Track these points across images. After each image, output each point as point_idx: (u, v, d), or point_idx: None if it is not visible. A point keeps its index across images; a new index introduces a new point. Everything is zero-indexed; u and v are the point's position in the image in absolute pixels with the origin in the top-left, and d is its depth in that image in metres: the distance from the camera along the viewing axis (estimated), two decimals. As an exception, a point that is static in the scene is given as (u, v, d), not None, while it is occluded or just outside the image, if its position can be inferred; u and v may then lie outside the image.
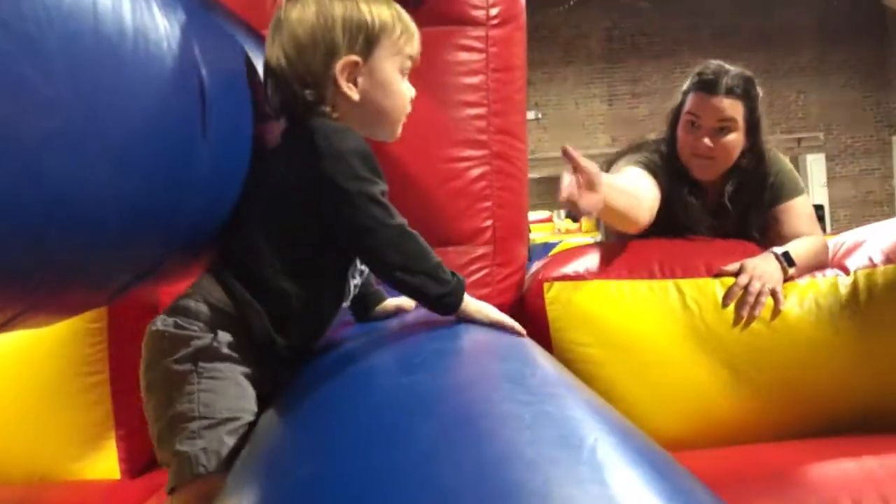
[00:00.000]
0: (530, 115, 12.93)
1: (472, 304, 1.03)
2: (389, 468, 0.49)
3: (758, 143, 1.97)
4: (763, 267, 1.75)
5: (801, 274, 1.80)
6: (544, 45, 12.92)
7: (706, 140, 1.92)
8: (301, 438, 0.68)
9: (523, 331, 1.06)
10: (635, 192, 1.81)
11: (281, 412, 0.86)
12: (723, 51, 12.90)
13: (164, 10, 0.83)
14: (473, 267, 1.74)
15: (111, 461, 1.88)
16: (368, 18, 1.07)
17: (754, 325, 1.72)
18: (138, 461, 1.90)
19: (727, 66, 1.96)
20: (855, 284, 1.78)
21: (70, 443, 1.87)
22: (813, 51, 13.24)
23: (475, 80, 1.76)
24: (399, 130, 1.18)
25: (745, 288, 1.72)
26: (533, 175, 12.50)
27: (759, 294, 1.70)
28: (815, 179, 14.14)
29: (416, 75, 1.77)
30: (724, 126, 1.91)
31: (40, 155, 0.59)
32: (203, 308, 1.01)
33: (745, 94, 1.94)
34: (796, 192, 2.01)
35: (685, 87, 2.01)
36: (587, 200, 1.46)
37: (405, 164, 1.71)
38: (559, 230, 9.96)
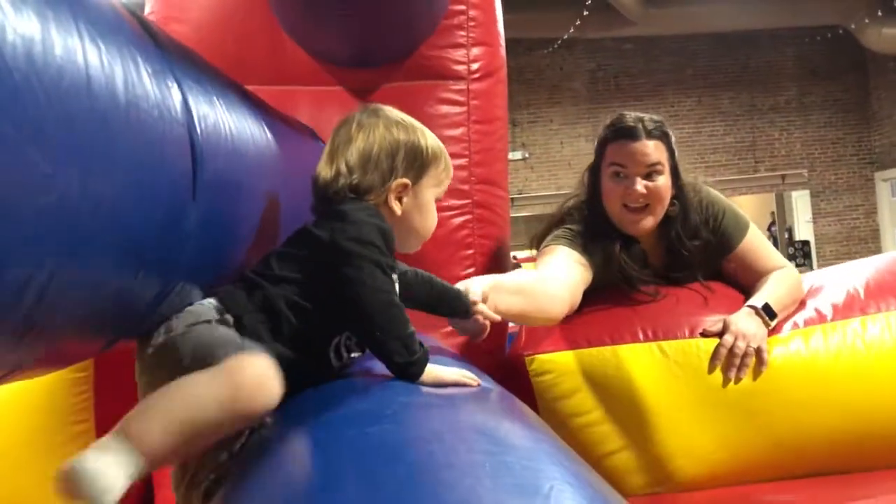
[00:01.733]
0: (517, 155, 13.07)
1: (430, 373, 1.08)
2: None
3: (680, 187, 1.90)
4: (746, 326, 1.73)
5: (781, 315, 1.80)
6: (530, 88, 13.11)
7: (638, 186, 1.82)
8: (271, 484, 0.71)
9: (478, 382, 1.10)
10: (534, 286, 1.68)
11: (253, 457, 0.90)
12: (706, 90, 13.16)
13: (155, 79, 0.88)
14: (457, 314, 1.77)
15: (100, 511, 1.88)
16: (424, 149, 1.23)
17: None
18: (126, 510, 1.90)
19: (639, 113, 1.90)
20: (835, 326, 1.81)
21: (55, 493, 1.87)
22: (794, 89, 13.49)
23: (457, 132, 1.82)
24: (420, 247, 1.29)
25: (730, 350, 1.70)
26: (522, 213, 12.61)
27: (745, 356, 1.70)
28: (800, 215, 14.30)
29: (400, 128, 1.85)
30: (652, 170, 1.83)
31: (37, 229, 0.63)
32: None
33: (665, 135, 1.88)
34: (742, 228, 1.95)
35: (598, 140, 1.93)
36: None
37: (389, 214, 1.76)
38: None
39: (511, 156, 13.39)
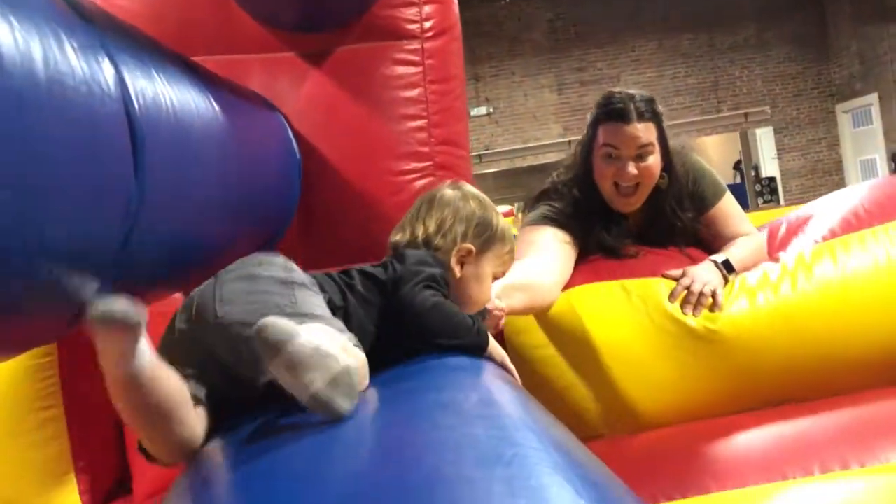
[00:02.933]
0: (482, 110, 12.98)
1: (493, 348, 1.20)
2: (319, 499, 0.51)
3: (670, 161, 1.97)
4: (704, 272, 1.82)
5: (745, 271, 1.87)
6: (490, 40, 12.97)
7: (630, 168, 1.89)
8: (244, 463, 0.70)
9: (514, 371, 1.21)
10: (533, 280, 1.74)
11: (231, 433, 0.89)
12: (665, 34, 13.12)
13: (82, 53, 0.82)
14: (425, 277, 1.76)
15: (73, 494, 1.87)
16: (495, 226, 1.33)
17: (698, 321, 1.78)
18: (100, 492, 1.89)
19: (630, 91, 1.95)
20: (785, 270, 1.86)
21: (29, 480, 1.86)
22: (753, 27, 13.48)
23: (414, 93, 1.78)
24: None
25: (688, 288, 1.78)
26: (490, 170, 12.56)
27: (701, 295, 1.77)
28: (765, 153, 14.39)
29: (355, 92, 1.80)
30: (643, 152, 1.90)
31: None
32: None
33: (655, 115, 1.93)
34: (719, 194, 2.04)
35: (591, 119, 1.98)
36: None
37: (351, 181, 1.73)
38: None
39: (475, 111, 13.30)
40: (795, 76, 13.63)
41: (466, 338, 1.14)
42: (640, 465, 1.61)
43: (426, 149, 1.78)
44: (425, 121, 1.78)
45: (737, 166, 15.07)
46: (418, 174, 1.76)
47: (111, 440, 1.97)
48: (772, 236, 2.06)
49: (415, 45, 1.78)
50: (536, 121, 12.82)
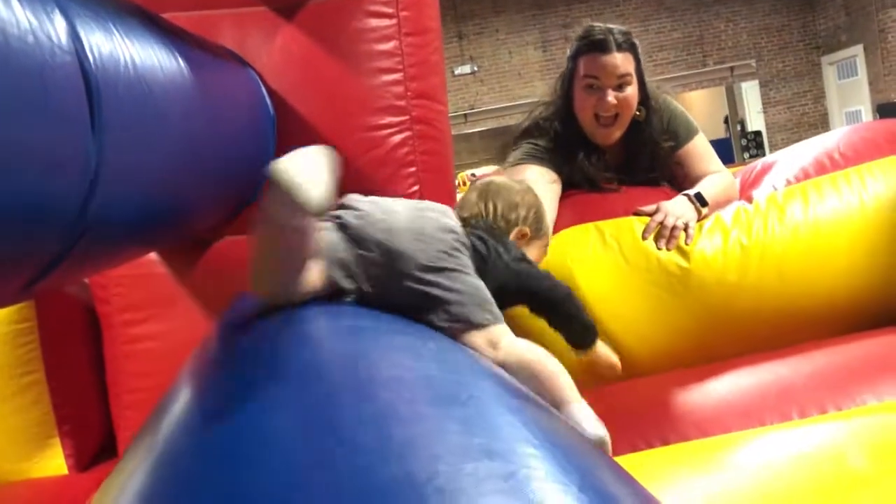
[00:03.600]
0: (466, 69, 12.85)
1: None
2: (274, 431, 0.51)
3: (646, 93, 2.03)
4: (677, 206, 1.85)
5: (713, 211, 1.89)
6: (473, -2, 12.82)
7: (610, 98, 1.95)
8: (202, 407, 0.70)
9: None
10: None
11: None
12: (650, -13, 12.95)
13: (29, 4, 0.79)
14: (404, 234, 1.74)
15: (58, 458, 1.88)
16: (545, 218, 1.48)
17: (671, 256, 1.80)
18: (85, 455, 1.90)
19: (608, 25, 2.00)
20: (758, 209, 1.87)
21: (13, 445, 1.87)
22: (738, -21, 13.36)
23: (388, 45, 1.74)
24: None
25: (661, 223, 1.81)
26: (476, 129, 12.47)
27: (674, 228, 1.79)
28: (751, 106, 14.37)
29: (329, 46, 1.76)
30: (622, 82, 1.96)
31: None
32: None
33: (633, 46, 1.99)
34: (691, 133, 2.09)
35: (571, 52, 2.03)
36: None
37: (325, 138, 1.69)
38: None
39: (459, 70, 13.17)
40: (781, 29, 13.55)
41: (591, 328, 1.34)
42: (622, 413, 1.61)
43: (403, 103, 1.74)
44: (401, 74, 1.74)
45: (726, 121, 15.05)
46: (395, 129, 1.73)
47: (94, 403, 1.97)
48: (744, 179, 2.07)
49: (388, -4, 1.74)
50: (521, 79, 12.73)
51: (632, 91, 1.98)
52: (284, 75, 1.75)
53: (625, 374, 1.77)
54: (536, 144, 2.03)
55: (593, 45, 1.96)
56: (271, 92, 1.74)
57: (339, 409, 0.54)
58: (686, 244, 1.79)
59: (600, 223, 1.84)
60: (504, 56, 12.84)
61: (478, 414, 0.52)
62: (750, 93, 14.20)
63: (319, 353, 0.72)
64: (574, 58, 2.01)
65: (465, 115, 12.58)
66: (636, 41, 2.01)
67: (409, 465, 0.44)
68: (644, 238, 1.81)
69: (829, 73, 13.46)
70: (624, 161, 2.08)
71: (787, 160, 2.02)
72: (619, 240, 1.82)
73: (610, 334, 1.77)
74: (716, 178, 2.00)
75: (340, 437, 0.49)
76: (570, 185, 2.00)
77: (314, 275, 1.09)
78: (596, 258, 1.81)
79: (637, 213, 1.87)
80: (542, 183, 1.91)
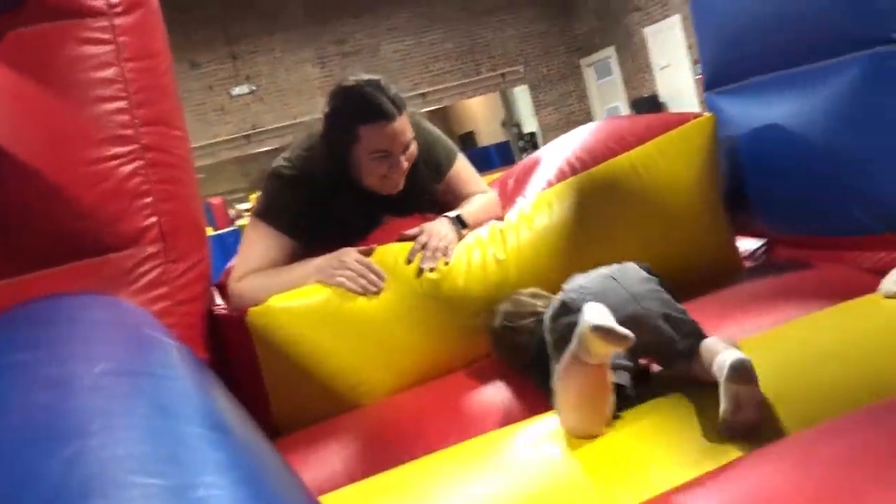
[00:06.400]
0: (244, 89, 12.56)
1: None
2: None
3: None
4: (438, 228, 1.89)
5: (476, 227, 1.97)
6: (244, 18, 12.55)
7: (403, 164, 1.87)
8: None
9: None
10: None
11: None
12: (419, 1, 13.32)
13: None
14: (144, 268, 1.66)
15: None
16: None
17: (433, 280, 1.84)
18: None
19: (368, 78, 1.87)
20: (510, 225, 1.98)
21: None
22: (502, -11, 14.07)
23: (108, 72, 1.66)
24: None
25: (424, 245, 1.84)
26: (262, 149, 12.20)
27: (436, 249, 1.83)
28: (524, 110, 15.17)
29: (40, 76, 1.64)
30: (409, 142, 1.88)
31: None
32: None
33: (402, 101, 1.88)
34: (452, 157, 2.09)
35: (341, 116, 1.87)
36: None
37: (45, 176, 1.58)
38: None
39: (237, 91, 12.83)
40: (543, 35, 14.42)
41: None
42: (391, 428, 1.64)
43: (130, 131, 1.66)
44: (126, 101, 1.66)
45: (504, 124, 15.78)
46: (123, 159, 1.64)
47: None
48: (503, 189, 2.17)
49: (102, 22, 1.65)
50: (301, 95, 12.62)
51: (415, 147, 1.91)
52: (-6, 111, 1.62)
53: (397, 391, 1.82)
54: (284, 192, 1.91)
55: (376, 114, 1.81)
56: (-20, 131, 1.60)
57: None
58: (446, 264, 1.83)
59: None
60: (282, 74, 12.67)
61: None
62: (522, 97, 14.99)
63: None
64: (349, 126, 1.84)
65: (248, 136, 12.29)
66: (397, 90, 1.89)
67: None
68: (409, 261, 1.83)
69: (589, 74, 14.51)
70: (393, 203, 1.98)
71: (546, 162, 2.15)
72: (382, 265, 1.84)
73: (377, 358, 1.81)
74: (478, 198, 2.05)
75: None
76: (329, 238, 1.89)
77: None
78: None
79: (401, 239, 1.89)
80: (273, 250, 1.87)
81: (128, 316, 1.35)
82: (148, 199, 1.68)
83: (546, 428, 1.41)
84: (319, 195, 1.90)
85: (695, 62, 11.75)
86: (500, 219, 2.03)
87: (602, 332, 1.22)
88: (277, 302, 1.74)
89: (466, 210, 1.98)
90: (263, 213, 1.92)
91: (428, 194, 2.04)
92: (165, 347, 1.11)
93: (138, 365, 0.89)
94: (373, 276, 1.79)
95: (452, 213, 1.95)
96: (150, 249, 1.67)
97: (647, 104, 12.17)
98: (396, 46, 13.05)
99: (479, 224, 1.98)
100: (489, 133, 15.59)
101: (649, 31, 12.66)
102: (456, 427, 1.59)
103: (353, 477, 1.49)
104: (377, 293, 1.78)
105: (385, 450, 1.55)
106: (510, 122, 15.49)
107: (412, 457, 1.50)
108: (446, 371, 1.86)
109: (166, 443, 0.66)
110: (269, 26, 12.66)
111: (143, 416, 0.72)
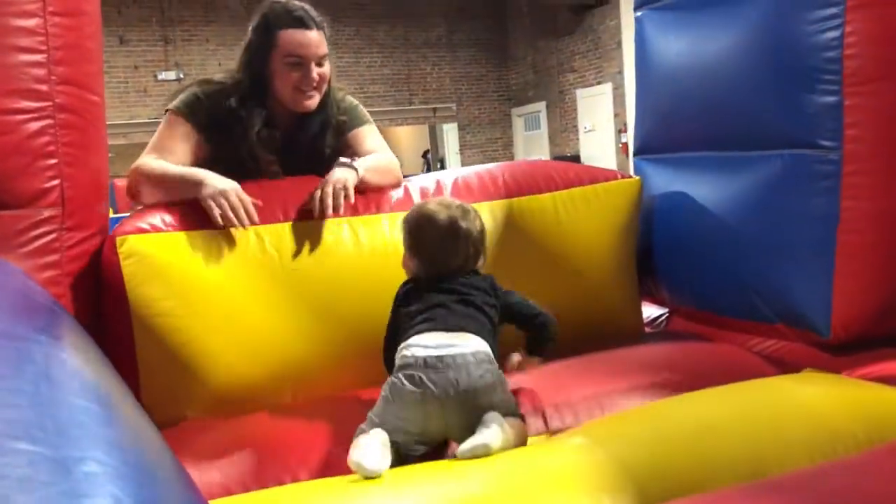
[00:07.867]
0: (171, 75, 12.25)
1: None
2: None
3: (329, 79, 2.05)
4: (337, 171, 1.90)
5: (373, 178, 1.97)
6: (184, 3, 12.29)
7: (314, 74, 1.96)
8: None
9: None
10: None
11: None
12: (363, 21, 13.36)
13: None
14: (37, 231, 1.55)
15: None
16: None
17: (329, 268, 1.84)
18: None
19: (297, 2, 2.01)
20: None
21: None
22: (444, 26, 14.26)
23: (30, 22, 1.56)
24: None
25: (325, 192, 1.84)
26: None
27: (337, 191, 1.84)
28: (450, 147, 15.33)
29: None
30: (323, 58, 1.98)
31: None
32: None
33: (324, 24, 2.01)
34: (364, 120, 2.14)
35: (263, 25, 1.98)
36: None
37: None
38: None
39: (163, 76, 12.49)
40: (479, 78, 14.66)
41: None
42: (263, 443, 1.57)
43: (44, 87, 1.56)
44: (44, 56, 1.56)
45: (424, 155, 15.89)
46: (33, 114, 1.54)
47: None
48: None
49: (34, -31, 1.56)
50: (230, 91, 12.40)
51: (328, 67, 2.01)
52: None
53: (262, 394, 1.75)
54: (200, 99, 1.98)
55: (296, 21, 1.95)
56: None
57: None
58: (351, 201, 1.86)
59: (259, 228, 1.80)
60: (213, 66, 12.39)
61: None
62: (450, 134, 15.16)
63: None
64: (269, 31, 1.96)
65: (168, 123, 11.97)
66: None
67: None
68: (326, 216, 1.84)
69: (518, 124, 14.82)
70: (293, 129, 2.06)
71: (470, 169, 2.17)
72: (280, 249, 1.81)
73: (254, 347, 1.75)
74: (378, 155, 2.06)
75: None
76: (228, 161, 1.94)
77: None
78: (253, 267, 1.77)
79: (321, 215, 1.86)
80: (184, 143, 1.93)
81: (14, 279, 1.25)
82: (52, 161, 1.58)
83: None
84: (234, 111, 1.97)
85: (619, 131, 12.16)
86: (398, 185, 2.04)
87: (359, 467, 1.28)
88: (145, 238, 1.70)
89: (363, 159, 1.99)
90: (181, 110, 1.96)
91: (331, 147, 2.07)
92: (54, 316, 1.03)
93: (23, 330, 0.82)
94: (242, 214, 1.77)
95: (345, 159, 1.95)
96: (47, 213, 1.56)
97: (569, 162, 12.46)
98: (335, 61, 12.99)
99: (376, 172, 1.99)
100: (408, 164, 15.68)
101: (580, 94, 13.05)
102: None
103: (230, 490, 1.41)
104: (234, 228, 1.77)
105: (270, 465, 1.48)
106: (436, 156, 15.61)
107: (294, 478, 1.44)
108: (304, 362, 1.81)
109: (54, 413, 0.61)
110: (208, 16, 12.43)
111: (30, 382, 0.66)
